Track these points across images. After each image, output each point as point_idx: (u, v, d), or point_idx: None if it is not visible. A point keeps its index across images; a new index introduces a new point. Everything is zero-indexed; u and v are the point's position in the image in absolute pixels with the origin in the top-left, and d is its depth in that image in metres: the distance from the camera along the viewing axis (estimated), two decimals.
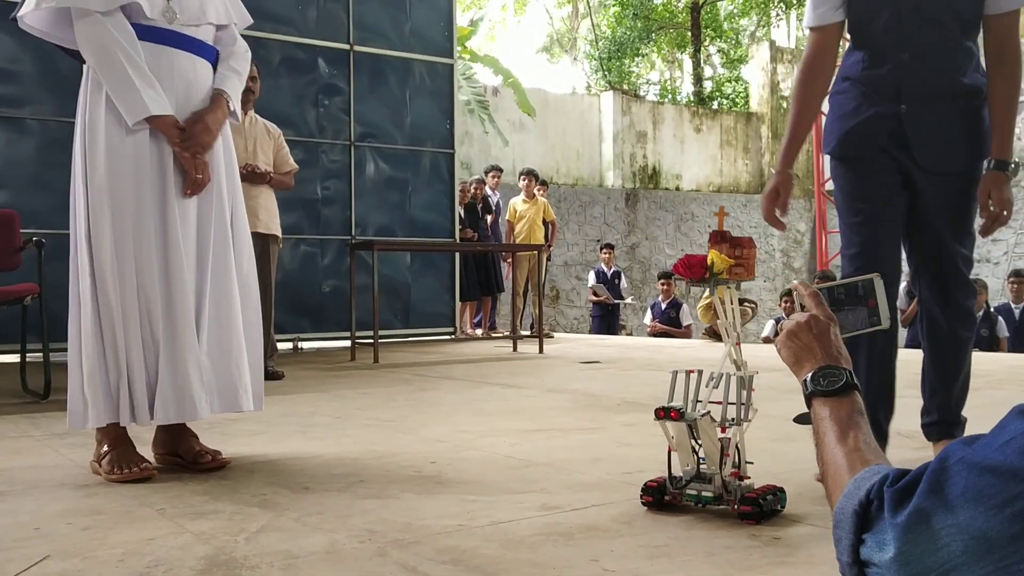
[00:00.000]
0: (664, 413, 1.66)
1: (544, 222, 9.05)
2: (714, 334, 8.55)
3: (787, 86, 17.41)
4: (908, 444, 2.70)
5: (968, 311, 2.23)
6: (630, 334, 12.04)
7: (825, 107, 2.32)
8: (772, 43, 18.28)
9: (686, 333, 9.54)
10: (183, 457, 2.37)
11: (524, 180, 9.02)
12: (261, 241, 4.69)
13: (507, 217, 9.09)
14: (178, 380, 2.20)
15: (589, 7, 22.51)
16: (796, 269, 16.38)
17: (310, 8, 7.43)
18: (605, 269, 10.99)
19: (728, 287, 1.85)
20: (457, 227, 8.30)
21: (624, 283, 11.21)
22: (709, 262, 1.57)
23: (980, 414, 2.95)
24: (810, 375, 1.14)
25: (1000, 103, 2.07)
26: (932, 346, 2.27)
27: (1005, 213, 2.06)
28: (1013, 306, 8.69)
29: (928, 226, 2.17)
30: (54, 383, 3.94)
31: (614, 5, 19.13)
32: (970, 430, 2.73)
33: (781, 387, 3.89)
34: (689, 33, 18.70)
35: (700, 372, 1.80)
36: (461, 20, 14.23)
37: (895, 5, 2.10)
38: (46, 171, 6.12)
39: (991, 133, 2.09)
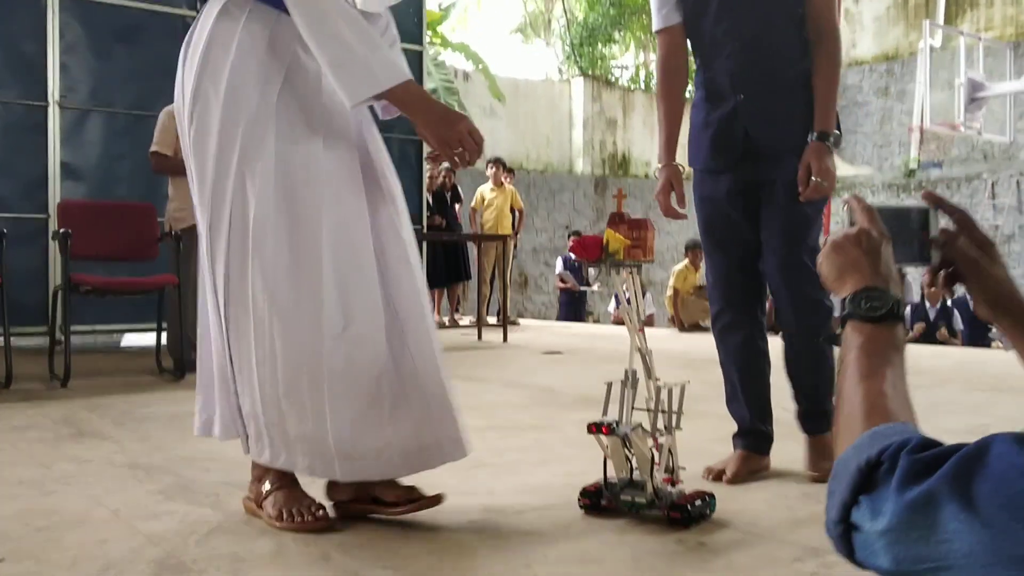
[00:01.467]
0: (596, 428, 1.75)
1: (512, 210, 9.12)
2: (680, 323, 8.70)
3: None
4: None
5: (812, 301, 2.24)
6: (597, 320, 12.16)
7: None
8: None
9: (649, 322, 9.68)
10: (382, 501, 1.86)
11: (492, 168, 9.07)
12: None
13: (473, 204, 9.14)
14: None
15: None
16: None
17: None
18: (573, 256, 11.09)
19: (631, 271, 1.91)
20: (425, 214, 8.34)
21: (591, 270, 11.32)
22: (604, 242, 1.62)
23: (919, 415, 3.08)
24: (851, 294, 0.99)
25: (821, 78, 2.18)
26: (784, 338, 2.33)
27: (826, 183, 2.12)
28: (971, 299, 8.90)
29: (770, 221, 2.26)
30: (15, 370, 3.97)
31: None
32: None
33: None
34: None
35: (635, 376, 1.89)
36: (431, 4, 14.19)
37: (718, 5, 2.24)
38: (10, 155, 6.10)
39: (814, 106, 2.18)
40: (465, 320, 9.01)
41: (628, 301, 1.86)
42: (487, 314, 9.14)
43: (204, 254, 1.82)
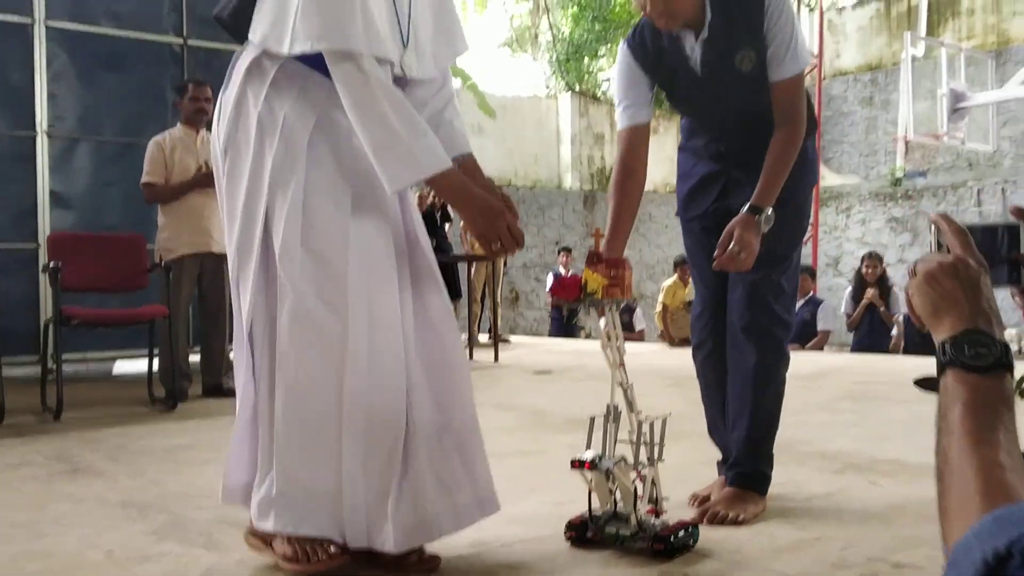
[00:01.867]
0: (580, 464, 1.79)
1: None
2: (670, 338, 8.74)
3: None
4: (829, 465, 2.84)
5: (764, 335, 2.23)
6: (589, 335, 12.21)
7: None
8: None
9: (639, 337, 9.72)
10: (381, 553, 1.77)
11: None
12: (216, 261, 4.76)
13: (463, 227, 9.19)
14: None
15: (547, 7, 22.62)
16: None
17: None
18: (563, 272, 11.14)
19: (609, 308, 1.95)
20: None
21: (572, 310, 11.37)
22: (583, 281, 1.65)
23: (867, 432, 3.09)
24: (951, 338, 0.87)
25: (773, 157, 2.12)
26: (732, 375, 2.30)
27: (743, 255, 2.05)
28: None
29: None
30: (7, 403, 3.98)
31: (572, 5, 19.27)
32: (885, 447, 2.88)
33: None
34: None
35: (617, 410, 1.93)
36: None
37: (701, 97, 2.27)
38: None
39: (760, 181, 2.12)
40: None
41: (608, 338, 1.90)
42: (479, 332, 9.19)
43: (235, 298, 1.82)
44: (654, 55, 2.24)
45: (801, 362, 6.25)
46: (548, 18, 21.72)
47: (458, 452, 1.79)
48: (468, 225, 1.78)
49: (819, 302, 8.37)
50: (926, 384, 0.96)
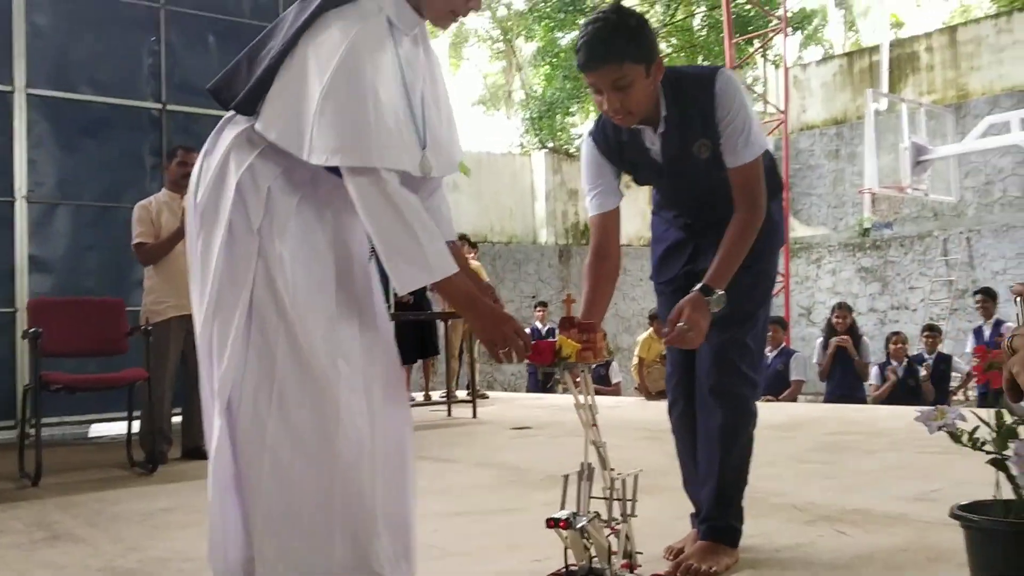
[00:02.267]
0: (555, 523, 1.86)
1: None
2: (646, 391, 8.81)
3: None
4: (799, 516, 2.91)
5: (729, 395, 2.29)
6: (566, 389, 12.25)
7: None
8: None
9: (615, 390, 9.79)
10: None
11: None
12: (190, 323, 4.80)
13: None
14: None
15: (519, 66, 23.07)
16: None
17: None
18: (540, 326, 11.22)
19: (582, 371, 2.02)
20: (392, 293, 8.45)
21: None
22: (557, 347, 1.71)
23: (871, 478, 3.16)
24: None
25: (730, 239, 2.20)
26: (700, 433, 2.36)
27: (691, 334, 2.09)
28: (927, 356, 9.08)
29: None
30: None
31: (543, 65, 19.70)
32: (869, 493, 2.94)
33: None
34: None
35: (591, 468, 2.00)
36: None
37: (665, 182, 2.40)
38: None
39: (714, 263, 2.18)
40: (436, 395, 9.06)
41: (581, 400, 1.97)
42: (457, 388, 9.22)
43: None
44: (616, 147, 2.34)
45: (775, 413, 6.36)
46: (520, 77, 22.16)
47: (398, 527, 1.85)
48: (476, 331, 1.84)
49: (791, 353, 8.50)
50: None
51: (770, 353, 8.41)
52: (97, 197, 6.34)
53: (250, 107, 1.80)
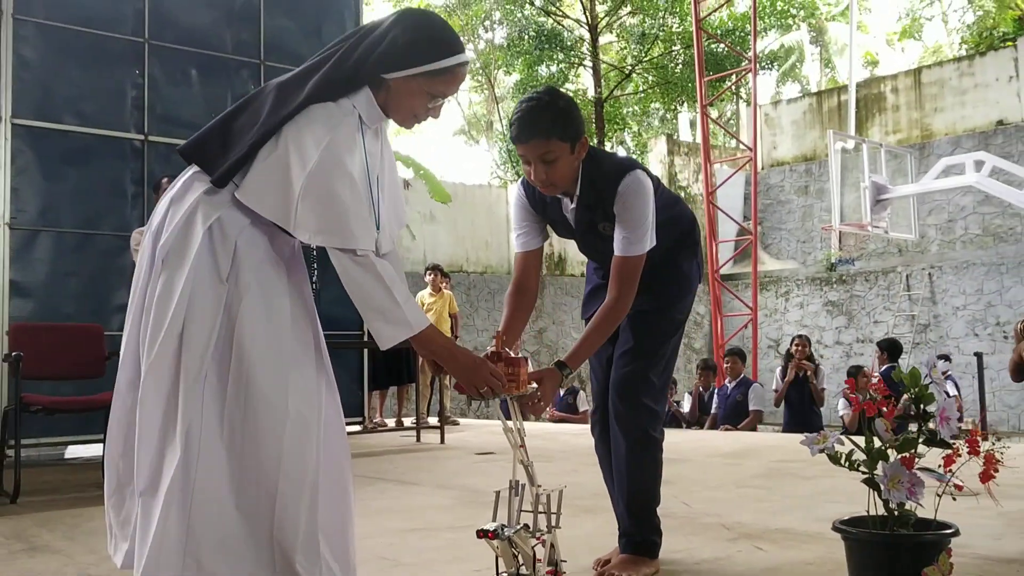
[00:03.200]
0: (484, 533, 2.09)
1: (449, 315, 9.49)
2: None
3: (684, 176, 18.45)
4: (725, 535, 3.16)
5: (631, 425, 2.54)
6: (541, 418, 12.46)
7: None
8: (669, 136, 19.41)
9: (583, 419, 10.02)
10: None
11: (430, 275, 9.48)
12: None
13: None
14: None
15: (498, 98, 23.47)
16: (697, 349, 17.15)
17: None
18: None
19: (510, 400, 2.25)
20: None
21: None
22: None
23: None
24: None
25: (593, 325, 2.45)
26: (612, 457, 2.63)
27: (542, 404, 2.34)
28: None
29: (619, 346, 2.60)
30: None
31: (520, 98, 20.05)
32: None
33: None
34: (594, 126, 19.72)
35: (520, 484, 2.24)
36: None
37: (580, 243, 2.67)
38: None
39: (575, 344, 2.45)
40: (408, 421, 9.25)
41: (511, 425, 2.22)
42: (428, 414, 9.42)
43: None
44: (540, 202, 2.60)
45: (730, 442, 6.62)
46: (499, 109, 22.54)
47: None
48: (456, 376, 2.10)
49: (750, 383, 8.78)
50: None
51: (729, 384, 8.70)
52: (78, 224, 6.55)
53: (227, 177, 2.00)
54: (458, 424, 9.19)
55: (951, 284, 14.71)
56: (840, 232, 12.78)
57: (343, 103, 2.02)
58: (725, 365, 8.97)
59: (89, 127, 6.67)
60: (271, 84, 2.10)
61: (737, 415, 8.42)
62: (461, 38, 2.19)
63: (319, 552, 1.94)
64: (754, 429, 8.42)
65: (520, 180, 2.67)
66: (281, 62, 7.59)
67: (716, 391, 8.99)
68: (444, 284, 9.68)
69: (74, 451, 6.69)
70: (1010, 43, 17.12)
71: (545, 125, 2.33)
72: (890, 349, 8.92)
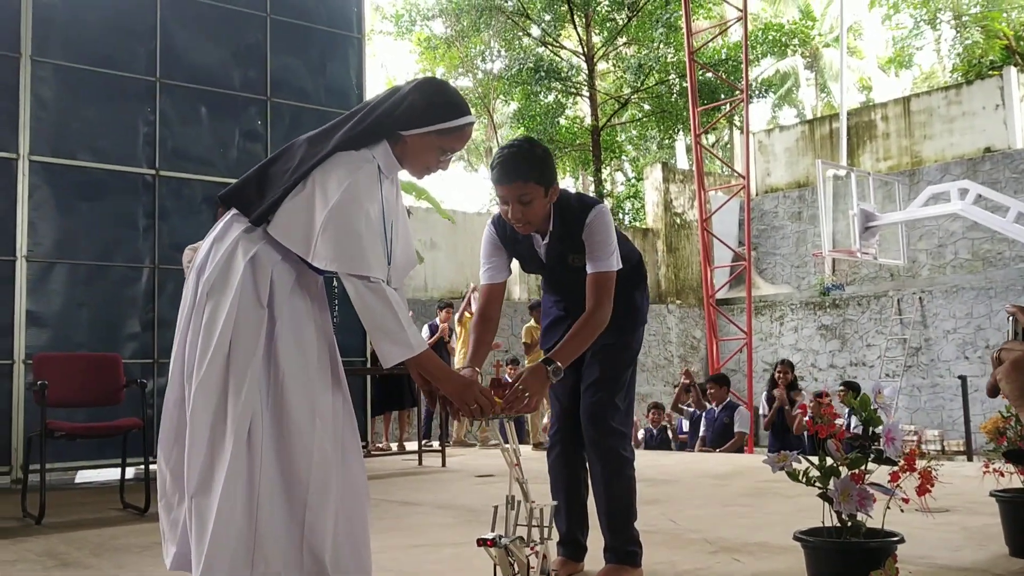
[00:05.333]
0: (483, 542, 2.34)
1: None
2: None
3: (679, 203, 18.77)
4: (706, 548, 3.40)
5: (604, 448, 2.81)
6: (540, 444, 12.68)
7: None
8: (664, 164, 19.76)
9: None
10: None
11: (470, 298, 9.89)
12: None
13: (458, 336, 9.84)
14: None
15: (496, 126, 23.85)
16: (695, 373, 17.38)
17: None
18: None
19: (506, 421, 2.54)
20: (369, 346, 8.90)
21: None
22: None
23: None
24: None
25: (579, 329, 2.69)
26: (590, 476, 2.89)
27: (528, 396, 2.53)
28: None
29: (586, 378, 2.87)
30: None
31: (519, 128, 20.44)
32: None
33: None
34: (591, 153, 20.10)
35: (516, 499, 2.49)
36: None
37: (547, 277, 2.95)
38: None
39: (561, 343, 2.67)
40: (411, 445, 9.47)
41: (507, 444, 2.47)
42: (432, 438, 9.66)
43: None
44: (511, 240, 2.87)
45: (720, 463, 6.86)
46: (497, 137, 22.90)
47: None
48: (448, 395, 2.34)
49: (735, 406, 9.13)
50: (1014, 457, 1.21)
51: (716, 408, 9.05)
52: (92, 256, 6.82)
53: (263, 217, 2.30)
54: (474, 446, 9.45)
55: (941, 308, 14.98)
56: (834, 262, 13.08)
57: (364, 152, 2.32)
58: (709, 391, 9.31)
59: (103, 163, 6.95)
60: (301, 138, 2.41)
61: (725, 437, 8.79)
62: (467, 103, 2.48)
63: (345, 558, 2.21)
64: (740, 450, 8.70)
65: (492, 219, 2.94)
66: (287, 99, 7.93)
67: (704, 415, 9.34)
68: (445, 312, 9.97)
69: (84, 476, 6.92)
70: (997, 72, 17.51)
71: (524, 170, 2.62)
72: (852, 387, 9.26)
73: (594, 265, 2.76)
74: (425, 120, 2.33)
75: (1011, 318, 1.14)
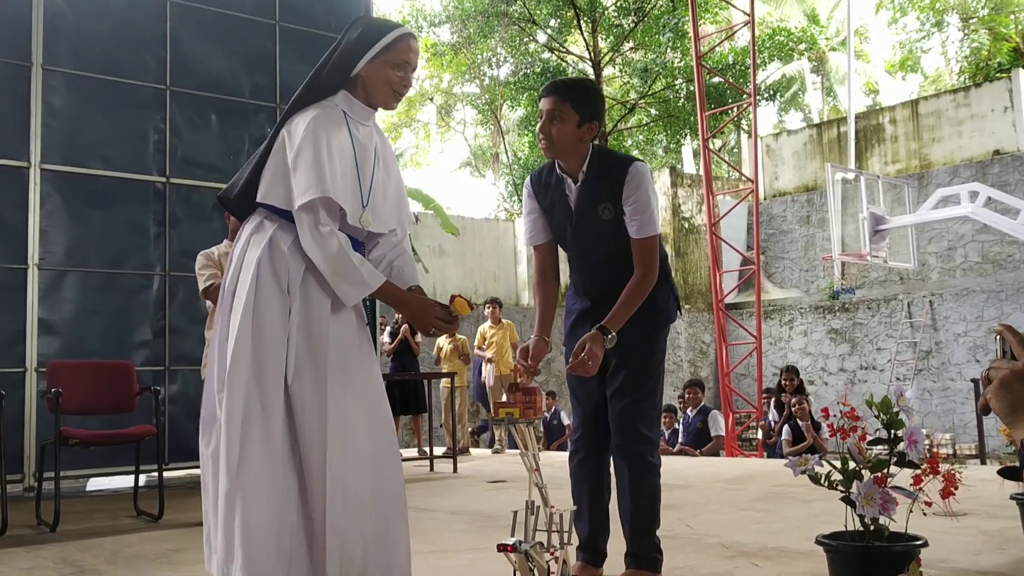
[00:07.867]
0: (503, 547, 2.33)
1: (511, 344, 9.64)
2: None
3: (688, 208, 18.74)
4: (724, 553, 3.38)
5: (632, 453, 2.79)
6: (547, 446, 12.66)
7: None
8: (672, 168, 19.74)
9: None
10: None
11: (489, 308, 9.78)
12: None
13: (476, 343, 9.77)
14: None
15: (503, 131, 23.87)
16: (704, 378, 17.34)
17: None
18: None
19: (527, 426, 2.52)
20: (379, 347, 8.90)
21: (544, 399, 11.93)
22: (452, 306, 2.16)
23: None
24: None
25: (628, 293, 2.72)
26: (616, 483, 2.87)
27: (591, 363, 2.60)
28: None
29: (612, 383, 2.84)
30: None
31: (527, 134, 20.45)
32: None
33: None
34: None
35: (535, 505, 2.48)
36: None
37: (572, 231, 2.88)
38: None
39: (613, 310, 2.70)
40: (425, 450, 9.45)
41: (526, 449, 2.46)
42: (461, 444, 9.65)
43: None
44: (544, 186, 2.90)
45: (734, 467, 6.83)
46: (505, 142, 22.91)
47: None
48: (408, 318, 2.39)
49: (709, 411, 9.37)
50: (1008, 474, 1.28)
51: (690, 412, 9.26)
52: (103, 264, 6.82)
53: (250, 200, 2.37)
54: (470, 454, 9.40)
55: (952, 311, 14.92)
56: (844, 265, 13.04)
57: (324, 102, 2.42)
58: (687, 395, 9.57)
59: (114, 171, 6.96)
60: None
61: (700, 440, 9.09)
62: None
63: (363, 560, 2.20)
64: (717, 454, 9.05)
65: (532, 173, 3.00)
66: None
67: (681, 419, 9.62)
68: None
69: (96, 483, 6.92)
70: (1005, 74, 17.46)
71: (564, 90, 2.74)
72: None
73: (634, 228, 2.76)
74: (363, 48, 2.42)
75: (998, 337, 1.16)
